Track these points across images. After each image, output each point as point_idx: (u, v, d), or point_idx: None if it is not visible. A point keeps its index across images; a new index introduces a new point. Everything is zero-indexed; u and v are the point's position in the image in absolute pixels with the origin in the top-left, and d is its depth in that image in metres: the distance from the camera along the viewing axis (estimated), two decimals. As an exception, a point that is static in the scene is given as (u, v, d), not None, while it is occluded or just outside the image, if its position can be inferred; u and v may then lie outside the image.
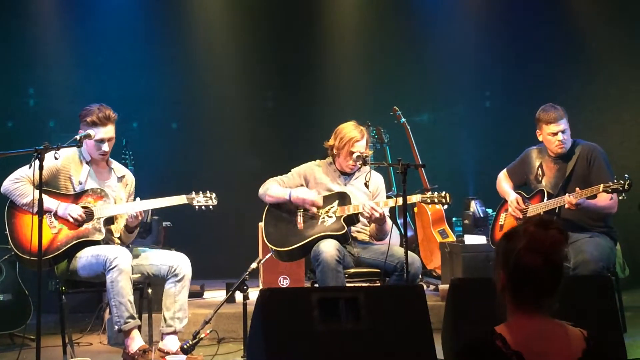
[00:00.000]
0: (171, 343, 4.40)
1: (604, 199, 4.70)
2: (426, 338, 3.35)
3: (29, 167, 4.11)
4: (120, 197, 4.63)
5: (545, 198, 4.87)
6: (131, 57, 7.33)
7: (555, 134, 4.86)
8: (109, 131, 4.51)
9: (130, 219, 4.49)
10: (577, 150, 4.91)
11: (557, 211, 4.78)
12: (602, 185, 4.52)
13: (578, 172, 4.86)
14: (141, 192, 4.77)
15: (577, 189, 4.65)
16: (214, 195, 4.70)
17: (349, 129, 4.82)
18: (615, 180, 4.52)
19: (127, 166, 5.30)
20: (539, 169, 5.04)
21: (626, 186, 4.45)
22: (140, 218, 4.50)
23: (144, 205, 4.56)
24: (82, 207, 4.44)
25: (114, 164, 4.74)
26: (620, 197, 4.66)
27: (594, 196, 4.63)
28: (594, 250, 4.60)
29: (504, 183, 5.23)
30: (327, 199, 4.80)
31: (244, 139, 7.67)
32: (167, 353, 4.29)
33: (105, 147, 4.52)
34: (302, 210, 4.80)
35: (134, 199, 4.65)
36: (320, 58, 7.92)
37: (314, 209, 4.76)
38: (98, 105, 4.52)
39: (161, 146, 7.48)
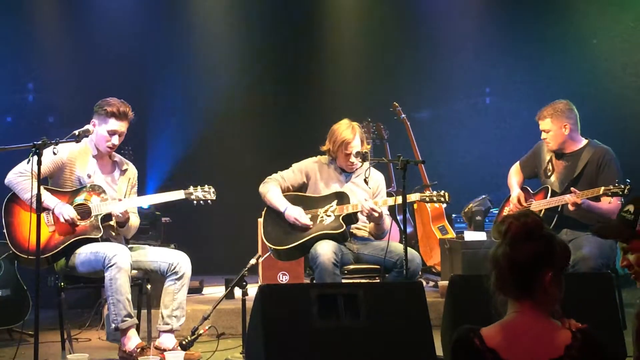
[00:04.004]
0: (167, 341, 4.38)
1: (605, 202, 4.63)
2: (425, 335, 3.34)
3: (27, 162, 4.09)
4: (122, 190, 4.63)
5: (549, 196, 4.85)
6: (131, 52, 7.31)
7: (542, 132, 4.87)
8: (122, 126, 4.51)
9: (117, 216, 4.44)
10: (588, 153, 4.81)
11: (559, 209, 4.75)
12: (602, 188, 4.48)
13: (586, 175, 4.79)
14: (141, 187, 4.76)
15: (577, 190, 4.61)
16: (212, 189, 4.67)
17: (341, 131, 4.78)
18: (616, 184, 4.46)
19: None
20: (549, 163, 4.97)
21: (626, 191, 4.40)
22: (127, 215, 4.47)
23: (142, 201, 4.54)
24: (80, 205, 4.42)
25: (117, 157, 4.73)
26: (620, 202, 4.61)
27: (598, 198, 4.58)
28: (593, 247, 4.57)
29: (513, 177, 5.17)
30: (326, 199, 4.78)
31: (244, 135, 7.65)
32: (164, 351, 4.26)
33: (115, 140, 4.52)
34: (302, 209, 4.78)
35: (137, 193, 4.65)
36: (321, 54, 7.91)
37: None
38: (121, 100, 4.54)
39: (161, 142, 7.46)
